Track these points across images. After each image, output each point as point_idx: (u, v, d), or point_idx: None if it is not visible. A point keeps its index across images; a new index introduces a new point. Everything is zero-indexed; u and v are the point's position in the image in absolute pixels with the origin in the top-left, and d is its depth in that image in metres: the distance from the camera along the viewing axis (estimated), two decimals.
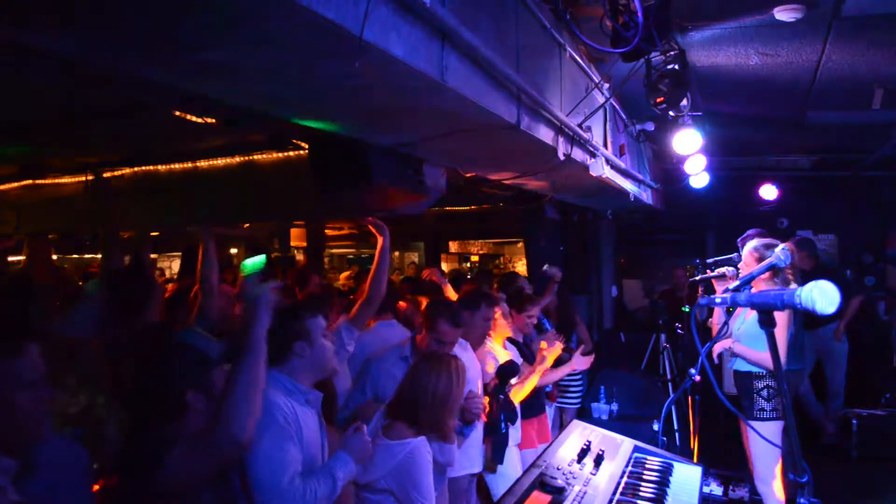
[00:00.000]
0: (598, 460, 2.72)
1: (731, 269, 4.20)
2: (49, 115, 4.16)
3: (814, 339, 6.16)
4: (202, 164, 5.64)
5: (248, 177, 5.47)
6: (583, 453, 2.75)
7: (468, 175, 4.98)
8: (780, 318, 3.60)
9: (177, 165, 5.74)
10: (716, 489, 4.87)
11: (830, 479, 4.98)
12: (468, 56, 2.44)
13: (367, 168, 3.59)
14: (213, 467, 1.80)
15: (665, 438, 4.41)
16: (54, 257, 8.04)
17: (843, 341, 6.31)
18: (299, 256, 12.03)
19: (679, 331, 6.12)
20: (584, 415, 5.63)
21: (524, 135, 3.22)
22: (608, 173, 4.64)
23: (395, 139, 3.40)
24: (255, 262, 1.97)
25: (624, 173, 5.54)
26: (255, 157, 5.38)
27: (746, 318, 3.82)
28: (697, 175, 6.41)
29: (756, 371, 3.76)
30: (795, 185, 8.48)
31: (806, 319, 5.14)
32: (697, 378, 2.43)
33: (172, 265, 12.42)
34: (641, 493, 2.51)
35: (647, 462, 2.88)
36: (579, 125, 3.86)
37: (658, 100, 4.09)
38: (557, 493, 2.34)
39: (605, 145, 4.80)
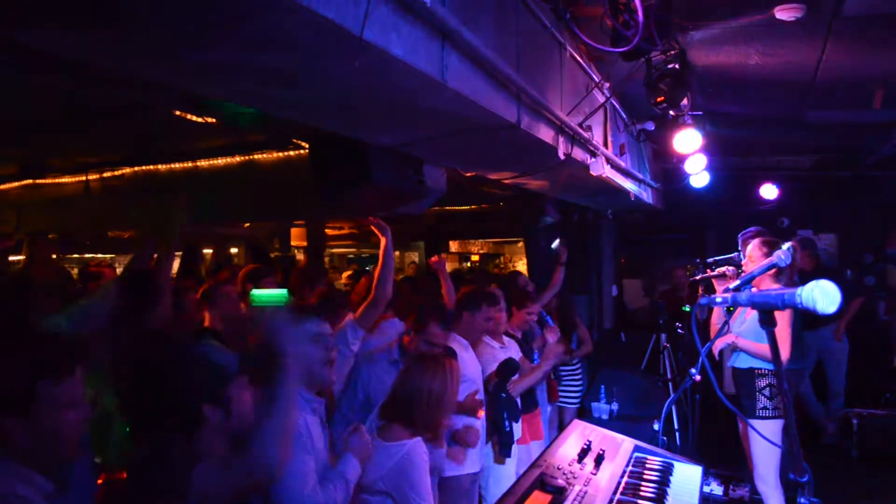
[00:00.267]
0: (599, 460, 2.71)
1: (731, 268, 4.20)
2: (49, 115, 4.16)
3: (814, 338, 6.16)
4: (202, 163, 5.64)
5: (248, 177, 5.48)
6: (583, 453, 2.75)
7: (468, 175, 4.98)
8: (784, 316, 3.61)
9: (177, 165, 5.75)
10: (716, 489, 4.87)
11: (830, 479, 4.97)
12: (468, 56, 2.44)
13: (367, 168, 3.59)
14: (242, 491, 1.78)
15: (665, 438, 4.41)
16: (53, 257, 8.03)
17: (844, 341, 6.31)
18: (300, 256, 12.04)
19: (679, 330, 6.12)
20: (585, 414, 5.63)
21: (524, 134, 3.22)
22: (608, 173, 4.64)
23: (395, 139, 3.40)
24: (271, 294, 1.91)
25: (624, 173, 5.54)
26: (256, 156, 5.39)
27: (746, 318, 3.83)
28: (698, 174, 6.41)
29: (758, 368, 3.76)
30: (796, 185, 8.47)
31: (806, 319, 5.14)
32: (698, 378, 2.42)
33: (172, 265, 12.41)
34: (642, 493, 2.51)
35: (648, 462, 2.88)
36: (580, 125, 3.86)
37: (658, 99, 4.09)
38: (558, 493, 2.33)
39: (606, 145, 4.80)
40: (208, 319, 3.46)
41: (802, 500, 1.69)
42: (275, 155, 5.28)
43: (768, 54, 4.19)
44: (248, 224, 9.33)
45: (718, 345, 3.97)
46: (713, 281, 4.37)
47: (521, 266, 12.96)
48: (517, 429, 3.69)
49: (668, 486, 2.62)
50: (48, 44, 1.86)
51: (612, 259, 9.19)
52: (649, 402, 5.58)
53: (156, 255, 3.50)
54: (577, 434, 3.01)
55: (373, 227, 3.63)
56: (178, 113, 3.83)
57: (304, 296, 4.16)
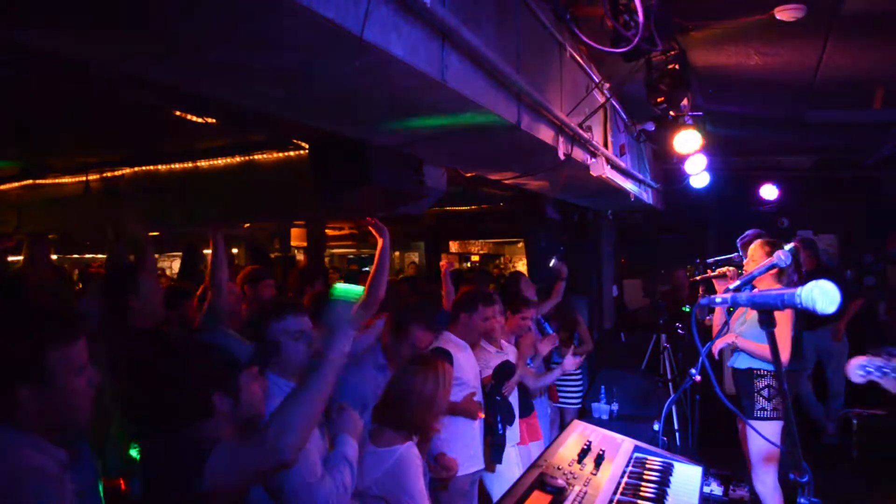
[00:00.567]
0: (599, 460, 2.71)
1: (731, 268, 4.20)
2: (50, 115, 4.16)
3: (814, 339, 6.16)
4: (202, 163, 5.64)
5: (248, 177, 5.48)
6: (583, 453, 2.75)
7: (468, 175, 4.98)
8: (785, 316, 3.60)
9: (177, 165, 5.75)
10: (716, 489, 4.87)
11: (831, 479, 4.97)
12: (468, 56, 2.44)
13: (367, 168, 3.59)
14: (256, 476, 1.78)
15: (665, 438, 4.41)
16: (54, 257, 8.04)
17: (844, 341, 6.30)
18: (300, 256, 12.04)
19: (680, 331, 6.12)
20: (585, 415, 5.63)
21: (524, 135, 3.22)
22: (608, 173, 4.64)
23: (395, 139, 3.40)
24: (350, 289, 1.90)
25: (624, 173, 5.54)
26: (256, 156, 5.39)
27: (747, 318, 3.82)
28: (698, 175, 6.40)
29: (757, 369, 3.76)
30: (796, 185, 8.48)
31: (806, 319, 5.14)
32: (698, 378, 2.42)
33: (173, 265, 12.43)
34: (642, 493, 2.51)
35: (648, 462, 2.88)
36: (580, 125, 3.86)
37: (658, 99, 4.09)
38: (558, 493, 2.33)
39: (606, 145, 4.80)
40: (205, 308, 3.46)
41: (802, 500, 1.69)
42: (275, 155, 5.28)
43: (768, 54, 4.19)
44: (248, 224, 9.33)
45: (718, 345, 3.97)
46: (714, 281, 4.37)
47: (521, 266, 12.97)
48: (511, 433, 3.69)
49: (668, 486, 2.62)
50: (48, 44, 1.86)
51: (612, 259, 9.18)
52: (649, 403, 5.58)
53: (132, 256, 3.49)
54: (577, 434, 3.01)
55: (371, 229, 3.63)
56: (178, 113, 3.83)
57: (306, 294, 4.16)
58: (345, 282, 3.53)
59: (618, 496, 2.45)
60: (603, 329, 8.57)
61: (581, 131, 3.87)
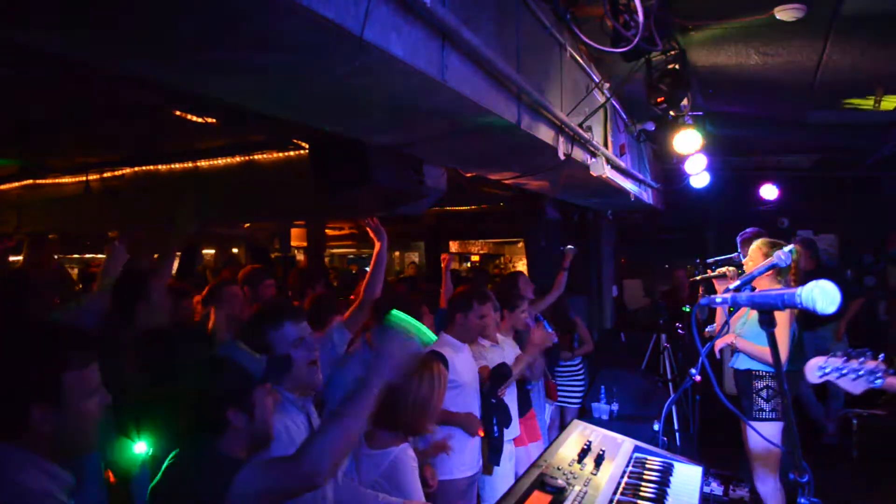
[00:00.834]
0: (599, 460, 2.71)
1: (731, 268, 4.20)
2: (50, 115, 4.16)
3: (814, 339, 6.15)
4: (202, 163, 5.64)
5: (249, 177, 5.47)
6: (583, 453, 2.75)
7: (468, 175, 4.98)
8: (782, 317, 3.60)
9: (177, 165, 5.74)
10: (716, 489, 4.87)
11: (831, 479, 4.97)
12: (469, 56, 2.44)
13: (367, 168, 3.59)
14: (284, 497, 1.76)
15: (665, 438, 4.41)
16: (56, 257, 8.03)
17: (844, 341, 6.30)
18: (300, 256, 12.05)
19: (680, 331, 6.12)
20: (585, 414, 5.63)
21: (524, 135, 3.22)
22: (608, 173, 4.64)
23: (395, 139, 3.40)
24: (413, 323, 1.86)
25: (624, 173, 5.54)
26: (256, 156, 5.39)
27: (748, 318, 3.82)
28: (698, 175, 6.41)
29: (756, 370, 3.76)
30: (796, 185, 8.48)
31: (806, 319, 5.14)
32: (698, 378, 2.42)
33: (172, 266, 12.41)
34: (642, 493, 2.51)
35: (648, 462, 2.88)
36: (580, 125, 3.86)
37: (658, 99, 4.08)
38: (558, 493, 2.33)
39: (606, 145, 4.80)
40: (213, 318, 3.47)
41: (802, 500, 1.69)
42: (275, 155, 5.28)
43: (768, 54, 4.19)
44: (248, 224, 9.33)
45: (719, 344, 3.97)
46: (714, 281, 4.37)
47: (521, 266, 12.97)
48: (508, 434, 3.69)
49: (668, 486, 2.62)
50: (48, 44, 1.86)
51: (612, 259, 9.19)
52: (649, 403, 5.58)
53: (156, 256, 3.50)
54: (577, 434, 3.01)
55: (369, 231, 3.64)
56: (178, 113, 3.83)
57: (306, 296, 4.16)
58: (252, 288, 3.50)
59: (618, 496, 2.45)
60: (603, 329, 8.57)
61: (581, 131, 3.87)
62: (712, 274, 4.37)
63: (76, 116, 4.20)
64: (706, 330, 4.57)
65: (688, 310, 5.78)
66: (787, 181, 8.42)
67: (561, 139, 3.76)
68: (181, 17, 1.64)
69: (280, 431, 2.06)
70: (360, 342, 3.33)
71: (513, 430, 3.79)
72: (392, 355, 1.78)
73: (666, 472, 2.77)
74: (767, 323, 1.70)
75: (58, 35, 1.79)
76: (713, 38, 3.98)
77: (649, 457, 2.94)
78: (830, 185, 8.47)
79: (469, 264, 16.04)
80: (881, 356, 2.28)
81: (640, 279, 9.86)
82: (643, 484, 2.60)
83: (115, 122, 4.42)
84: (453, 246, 14.98)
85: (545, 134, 3.50)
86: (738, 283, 2.07)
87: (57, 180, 6.53)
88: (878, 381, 2.23)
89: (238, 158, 5.46)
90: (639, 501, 2.44)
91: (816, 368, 2.35)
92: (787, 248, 2.56)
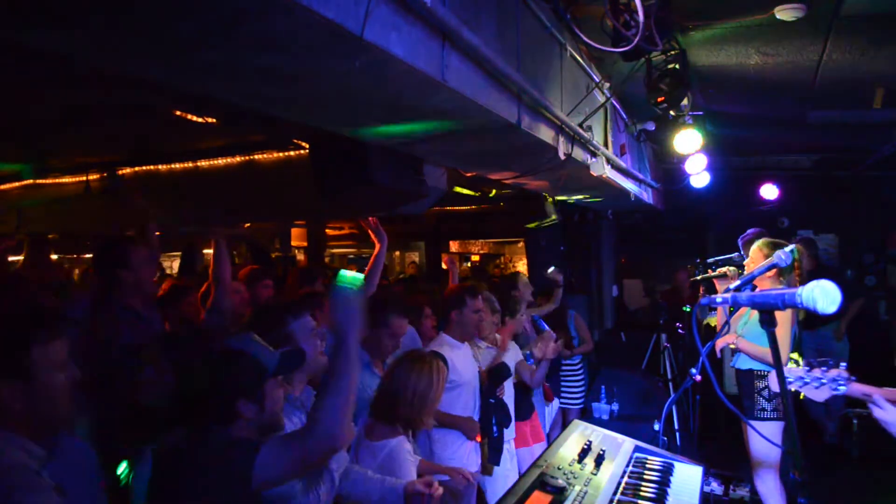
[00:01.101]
0: (599, 460, 2.71)
1: (732, 268, 4.20)
2: (50, 115, 4.16)
3: (815, 338, 6.15)
4: (202, 163, 5.63)
5: (249, 177, 5.46)
6: (583, 453, 2.75)
7: (468, 175, 4.98)
8: (785, 317, 3.60)
9: (177, 165, 5.74)
10: (716, 489, 4.87)
11: (831, 479, 4.98)
12: (469, 55, 2.44)
13: (367, 168, 3.59)
14: (304, 468, 1.83)
15: (666, 438, 4.42)
16: (54, 257, 8.03)
17: (844, 341, 6.30)
18: (300, 256, 12.04)
19: (680, 330, 6.12)
20: (585, 414, 5.63)
21: (525, 134, 3.22)
22: (609, 173, 4.63)
23: (395, 139, 3.40)
24: (353, 276, 1.93)
25: (624, 173, 5.54)
26: (256, 156, 5.38)
27: (750, 318, 3.82)
28: (698, 175, 6.41)
29: (758, 370, 3.76)
30: (796, 185, 8.48)
31: (807, 319, 5.15)
32: (698, 378, 2.43)
33: (173, 265, 12.42)
34: (642, 493, 2.51)
35: (648, 462, 2.88)
36: (580, 125, 3.85)
37: (659, 99, 4.08)
38: (558, 493, 2.33)
39: (606, 145, 4.80)
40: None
41: (803, 500, 1.70)
42: (275, 155, 5.27)
43: (769, 54, 4.18)
44: (248, 224, 9.33)
45: (720, 344, 3.97)
46: (714, 281, 4.37)
47: (521, 266, 12.97)
48: (507, 434, 3.69)
49: (669, 486, 2.62)
50: (48, 44, 1.86)
51: (612, 259, 9.19)
52: (649, 403, 5.59)
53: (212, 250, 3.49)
54: (578, 434, 3.01)
55: (370, 232, 3.67)
56: (178, 113, 3.83)
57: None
58: (251, 288, 3.51)
59: (618, 496, 2.45)
60: (603, 329, 8.57)
61: (581, 131, 3.87)
62: (712, 274, 4.37)
63: (76, 116, 4.20)
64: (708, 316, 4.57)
65: (688, 309, 5.78)
66: (788, 181, 8.42)
67: (561, 139, 3.76)
68: (181, 17, 1.64)
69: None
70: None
71: (511, 431, 3.79)
72: (342, 308, 1.84)
73: (666, 471, 2.77)
74: (768, 323, 1.70)
75: (58, 35, 1.78)
76: (713, 37, 3.98)
77: (649, 457, 2.94)
78: (830, 185, 8.47)
79: (469, 264, 16.04)
80: (843, 364, 2.33)
81: (640, 279, 9.86)
82: (643, 484, 2.60)
83: (115, 122, 4.41)
84: (453, 246, 14.98)
85: (545, 134, 3.50)
86: (738, 282, 2.07)
87: (57, 180, 6.52)
88: (842, 388, 2.28)
89: (238, 158, 5.45)
90: (639, 501, 2.44)
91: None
92: (787, 248, 2.56)
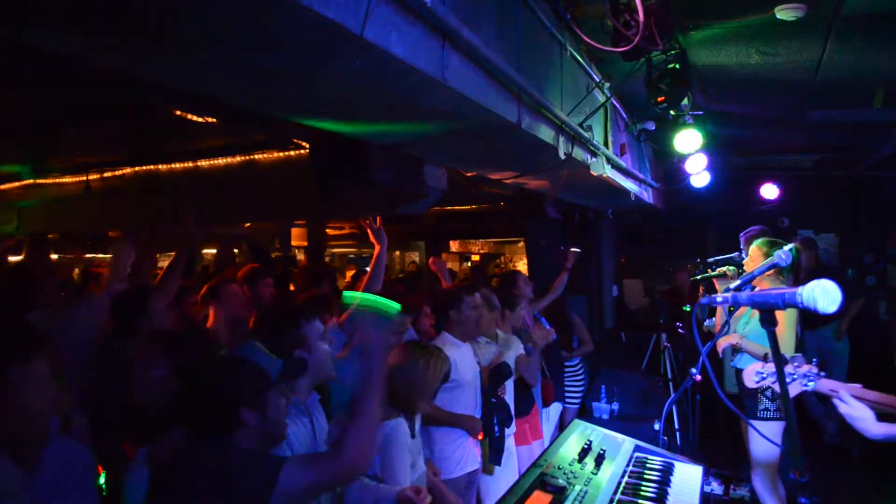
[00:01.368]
0: (599, 460, 2.71)
1: (732, 268, 4.20)
2: (50, 115, 4.16)
3: (815, 338, 6.15)
4: (203, 163, 5.63)
5: (249, 177, 5.47)
6: (584, 453, 2.75)
7: (468, 175, 4.98)
8: (789, 316, 3.60)
9: (177, 165, 5.74)
10: (716, 488, 4.87)
11: (832, 479, 4.97)
12: (469, 55, 2.44)
13: (367, 168, 3.60)
14: (324, 489, 1.89)
15: (666, 438, 4.41)
16: (54, 257, 8.03)
17: (845, 341, 6.30)
18: (300, 256, 12.04)
19: (680, 330, 6.11)
20: (585, 414, 5.63)
21: (525, 134, 3.22)
22: (609, 172, 4.63)
23: (395, 139, 3.40)
24: (381, 301, 1.91)
25: (625, 172, 5.54)
26: (256, 156, 5.38)
27: (751, 318, 3.82)
28: (698, 174, 6.41)
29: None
30: (796, 185, 8.47)
31: (807, 319, 5.14)
32: (698, 378, 2.43)
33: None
34: (642, 493, 2.51)
35: (648, 461, 2.88)
36: (580, 124, 3.85)
37: (659, 99, 4.08)
38: (558, 493, 2.34)
39: (606, 144, 4.80)
40: (212, 317, 3.46)
41: (803, 499, 1.70)
42: (275, 155, 5.27)
43: (769, 54, 4.18)
44: (248, 224, 9.32)
45: (721, 344, 3.96)
46: (714, 281, 4.37)
47: (522, 266, 12.96)
48: (507, 434, 3.69)
49: (669, 485, 2.62)
50: (48, 44, 1.86)
51: (612, 259, 9.19)
52: (649, 402, 5.58)
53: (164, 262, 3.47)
54: (578, 434, 3.01)
55: (370, 233, 3.67)
56: (178, 113, 3.83)
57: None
58: (251, 287, 3.47)
59: (618, 496, 2.45)
60: (603, 329, 8.56)
61: (581, 130, 3.87)
62: (713, 273, 4.37)
63: (76, 116, 4.20)
64: (705, 324, 4.57)
65: (688, 309, 5.77)
66: (788, 181, 8.42)
67: (561, 139, 3.76)
68: (181, 17, 1.64)
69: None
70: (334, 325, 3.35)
71: (511, 428, 3.80)
72: (372, 339, 1.87)
73: (666, 471, 2.77)
74: (768, 322, 1.70)
75: (58, 35, 1.79)
76: (714, 37, 3.98)
77: (650, 456, 2.94)
78: (830, 185, 8.47)
79: (469, 264, 16.03)
80: (814, 360, 2.35)
81: (640, 279, 9.86)
82: (644, 483, 2.60)
83: (115, 122, 4.41)
84: (453, 245, 14.98)
85: (545, 133, 3.50)
86: (738, 282, 2.07)
87: (57, 180, 6.53)
88: (811, 384, 2.30)
89: (238, 158, 5.45)
90: (639, 501, 2.44)
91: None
92: (787, 248, 2.56)
